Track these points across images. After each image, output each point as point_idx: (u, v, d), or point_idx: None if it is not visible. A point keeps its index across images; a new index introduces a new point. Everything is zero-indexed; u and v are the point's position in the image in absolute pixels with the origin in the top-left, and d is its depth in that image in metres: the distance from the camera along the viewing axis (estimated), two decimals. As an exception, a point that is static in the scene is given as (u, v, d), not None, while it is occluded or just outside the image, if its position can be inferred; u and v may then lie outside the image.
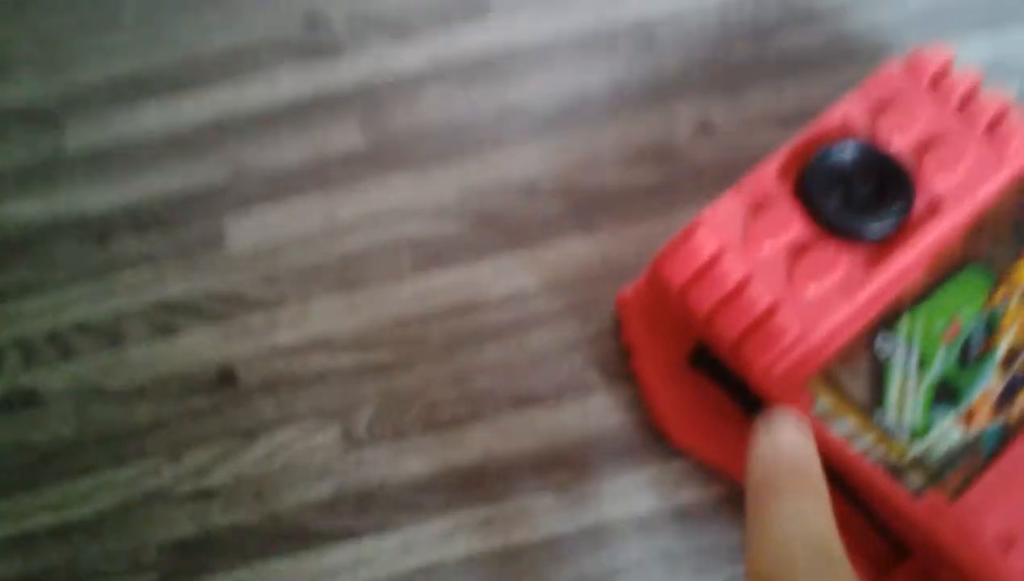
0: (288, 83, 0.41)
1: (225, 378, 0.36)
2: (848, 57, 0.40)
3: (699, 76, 0.40)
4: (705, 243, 0.30)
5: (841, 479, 0.29)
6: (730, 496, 0.33)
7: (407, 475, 0.34)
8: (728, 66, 0.40)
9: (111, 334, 0.37)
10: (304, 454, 0.35)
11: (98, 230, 0.39)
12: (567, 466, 0.34)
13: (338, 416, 0.35)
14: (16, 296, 0.38)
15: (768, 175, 0.31)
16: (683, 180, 0.38)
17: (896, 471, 0.27)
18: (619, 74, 0.40)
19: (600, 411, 0.35)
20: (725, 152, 0.38)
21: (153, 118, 0.41)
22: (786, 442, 0.25)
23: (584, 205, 0.38)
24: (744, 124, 0.39)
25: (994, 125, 0.32)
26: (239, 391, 0.36)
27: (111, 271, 0.38)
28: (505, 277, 0.37)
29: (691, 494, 0.34)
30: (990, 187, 0.31)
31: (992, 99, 0.32)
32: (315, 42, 0.42)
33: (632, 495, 0.34)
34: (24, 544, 0.34)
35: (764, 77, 0.40)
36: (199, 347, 0.37)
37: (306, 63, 0.41)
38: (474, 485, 0.34)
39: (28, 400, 0.36)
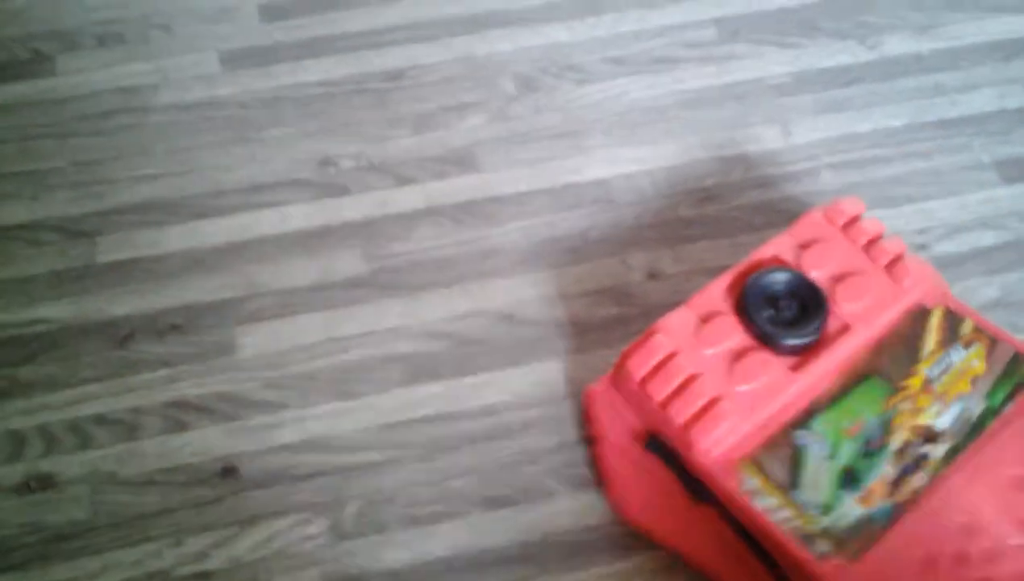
0: (300, 214, 0.47)
1: (228, 471, 0.40)
2: (770, 220, 0.47)
3: (649, 230, 0.47)
4: (662, 345, 0.37)
5: (761, 546, 0.35)
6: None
7: (385, 567, 0.39)
8: (673, 223, 0.47)
9: (127, 427, 0.41)
10: (296, 543, 0.39)
11: (121, 334, 0.44)
12: (530, 561, 0.39)
13: (328, 510, 0.40)
14: (42, 389, 0.42)
15: (714, 293, 0.39)
16: (636, 316, 0.44)
17: (807, 539, 0.33)
18: (583, 223, 0.47)
19: (558, 514, 0.40)
20: (670, 294, 0.45)
21: (176, 239, 0.46)
22: None
23: (552, 334, 0.44)
24: (686, 273, 0.46)
25: (893, 264, 0.39)
26: (240, 484, 0.40)
27: (130, 371, 0.43)
28: (481, 392, 0.43)
29: (637, 589, 0.39)
30: (889, 314, 0.38)
31: (892, 243, 0.40)
32: (326, 181, 0.48)
33: (585, 590, 0.38)
34: (33, 617, 0.38)
35: (703, 234, 0.47)
36: (207, 442, 0.41)
37: (317, 198, 0.48)
38: (445, 577, 0.39)
39: (46, 484, 0.40)
